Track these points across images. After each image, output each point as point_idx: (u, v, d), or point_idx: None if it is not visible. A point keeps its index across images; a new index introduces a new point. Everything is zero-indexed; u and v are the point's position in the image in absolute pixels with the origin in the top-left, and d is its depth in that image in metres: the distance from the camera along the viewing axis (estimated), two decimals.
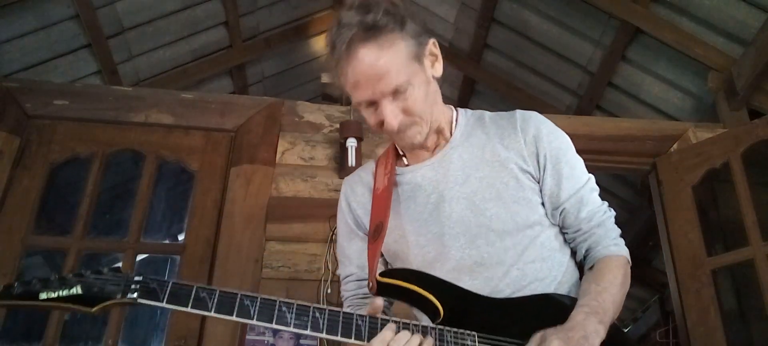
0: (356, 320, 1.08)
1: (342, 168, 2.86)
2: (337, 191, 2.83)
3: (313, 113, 3.07)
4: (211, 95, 3.27)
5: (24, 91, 2.92)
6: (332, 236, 2.67)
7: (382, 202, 1.31)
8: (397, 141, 1.31)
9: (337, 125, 2.97)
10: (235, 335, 2.50)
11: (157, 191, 2.97)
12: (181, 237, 3.35)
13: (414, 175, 1.33)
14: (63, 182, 3.15)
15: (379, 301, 1.13)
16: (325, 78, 3.38)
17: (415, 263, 1.27)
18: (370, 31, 1.15)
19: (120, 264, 2.78)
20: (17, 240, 2.65)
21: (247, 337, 2.50)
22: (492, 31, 4.08)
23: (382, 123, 1.22)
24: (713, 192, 2.99)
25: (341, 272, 1.43)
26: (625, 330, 6.18)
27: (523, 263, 1.22)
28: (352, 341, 1.07)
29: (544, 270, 1.23)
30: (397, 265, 1.33)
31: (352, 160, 2.79)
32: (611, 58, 3.61)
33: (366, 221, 1.36)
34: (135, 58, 3.74)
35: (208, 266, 2.66)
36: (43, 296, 1.04)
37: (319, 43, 4.63)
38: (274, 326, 1.05)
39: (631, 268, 1.30)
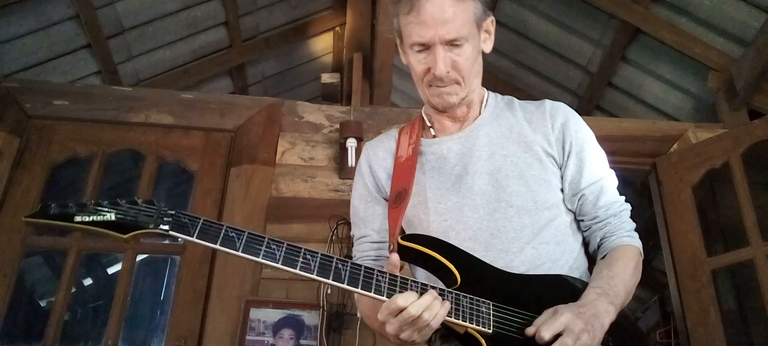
0: (377, 276, 1.10)
1: (342, 168, 2.86)
2: (337, 191, 2.86)
3: (313, 113, 3.07)
4: (211, 95, 3.27)
5: (24, 91, 2.92)
6: (332, 236, 2.67)
7: (406, 169, 1.33)
8: (432, 96, 1.32)
9: (337, 125, 2.97)
10: (235, 335, 2.50)
11: (157, 191, 2.97)
12: None
13: (440, 146, 1.36)
14: (63, 182, 3.16)
15: (396, 258, 1.14)
16: (324, 78, 3.38)
17: (432, 230, 1.28)
18: None
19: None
20: (17, 240, 2.65)
21: (247, 337, 2.50)
22: None
23: (428, 70, 1.26)
24: (713, 192, 2.99)
25: (355, 232, 1.43)
26: None
27: (538, 243, 1.24)
28: (372, 294, 1.09)
29: (558, 253, 1.25)
30: (411, 231, 1.34)
31: (352, 160, 2.79)
32: (611, 58, 3.61)
33: (387, 185, 1.37)
34: (135, 58, 3.73)
35: (208, 266, 2.66)
36: (78, 219, 1.05)
37: (319, 43, 4.63)
38: (298, 271, 1.07)
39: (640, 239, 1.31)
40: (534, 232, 1.24)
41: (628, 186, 4.36)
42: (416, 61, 1.28)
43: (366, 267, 1.11)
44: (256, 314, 2.54)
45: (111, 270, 5.48)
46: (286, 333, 2.54)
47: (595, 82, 3.79)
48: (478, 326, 1.11)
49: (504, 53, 4.15)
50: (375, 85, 3.29)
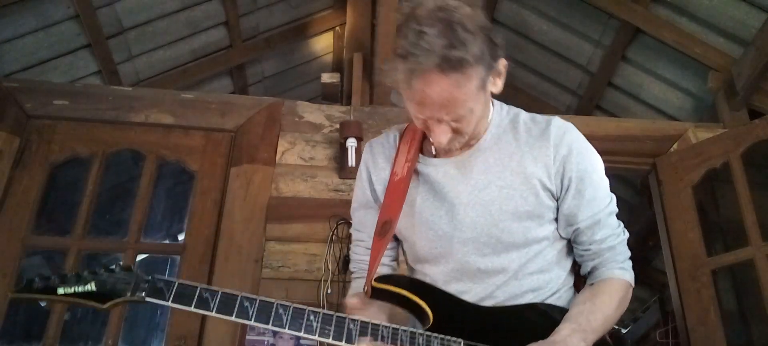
0: (348, 323, 1.16)
1: (342, 168, 2.86)
2: (337, 190, 2.86)
3: (313, 113, 3.07)
4: (211, 95, 3.27)
5: (24, 91, 2.92)
6: (332, 235, 2.67)
7: (397, 194, 1.32)
8: (429, 137, 1.28)
9: (337, 125, 2.97)
10: (235, 335, 2.50)
11: (157, 191, 2.97)
12: (181, 237, 3.35)
13: (436, 170, 1.32)
14: (63, 182, 3.15)
15: (354, 302, 1.28)
16: (325, 78, 3.38)
17: (422, 254, 1.32)
18: (451, 65, 1.10)
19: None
20: (17, 240, 2.65)
21: (248, 337, 2.50)
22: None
23: (428, 128, 1.22)
24: (713, 192, 2.99)
25: (353, 232, 1.48)
26: (625, 330, 6.17)
27: (523, 275, 1.25)
28: (343, 344, 1.15)
29: (541, 281, 1.27)
30: (406, 248, 1.39)
31: (352, 160, 2.79)
32: (611, 58, 3.61)
33: (382, 196, 1.38)
34: (135, 58, 3.73)
35: (208, 267, 2.66)
36: (60, 291, 1.13)
37: (319, 43, 4.63)
38: (271, 327, 1.14)
39: (631, 268, 1.31)
40: (520, 265, 1.26)
41: (628, 186, 4.37)
42: (415, 117, 1.23)
43: (338, 316, 1.17)
44: None
45: None
46: (286, 333, 2.54)
47: (595, 82, 3.79)
48: None
49: (504, 53, 4.14)
50: (375, 85, 3.29)
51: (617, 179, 4.37)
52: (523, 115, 1.35)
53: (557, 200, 1.29)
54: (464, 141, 1.26)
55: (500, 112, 1.35)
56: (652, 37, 3.32)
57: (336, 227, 2.68)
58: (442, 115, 1.17)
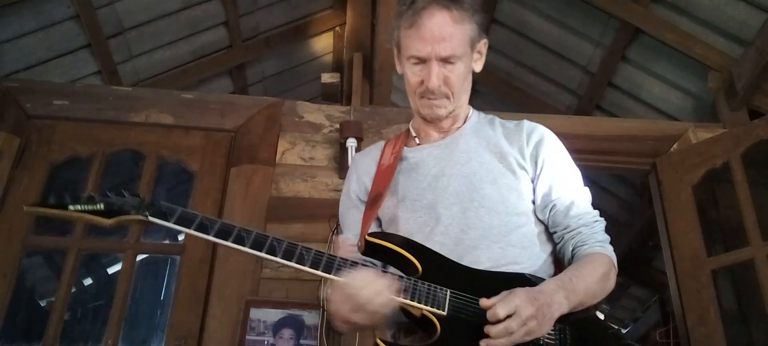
0: (338, 261, 1.21)
1: (342, 168, 2.86)
2: (337, 190, 2.86)
3: (313, 113, 3.07)
4: (211, 95, 3.27)
5: (24, 91, 2.92)
6: (333, 235, 2.67)
7: (385, 174, 1.43)
8: (423, 107, 1.41)
9: (337, 125, 2.97)
10: (235, 335, 2.50)
11: (157, 191, 2.97)
12: (181, 237, 3.34)
13: (421, 153, 1.45)
14: (63, 182, 3.15)
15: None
16: (324, 78, 3.38)
17: (406, 227, 1.36)
18: (453, 2, 1.33)
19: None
20: (17, 240, 2.65)
21: (247, 337, 2.50)
22: (492, 31, 4.07)
23: (421, 82, 1.36)
24: (713, 192, 2.99)
25: (340, 234, 1.54)
26: (625, 330, 6.18)
27: (505, 244, 1.30)
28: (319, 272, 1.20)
29: (523, 257, 1.30)
30: (391, 229, 1.42)
31: (351, 160, 2.79)
32: (611, 58, 3.61)
33: (369, 186, 1.46)
34: (135, 58, 3.73)
35: (208, 267, 2.66)
36: (71, 207, 1.19)
37: (319, 43, 4.63)
38: (263, 254, 1.19)
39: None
40: (502, 233, 1.30)
41: (628, 186, 4.37)
42: (411, 73, 1.38)
43: (329, 255, 1.21)
44: (256, 314, 2.54)
45: (111, 270, 5.48)
46: (286, 333, 2.54)
47: (595, 82, 3.79)
48: (433, 308, 1.17)
49: (504, 53, 4.14)
50: (375, 85, 3.29)
51: (617, 179, 4.37)
52: (498, 119, 1.52)
53: (533, 181, 1.39)
54: (449, 109, 1.39)
55: (478, 114, 1.52)
56: (652, 37, 3.31)
57: (336, 227, 2.67)
58: (438, 50, 1.32)
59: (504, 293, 1.14)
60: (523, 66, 4.13)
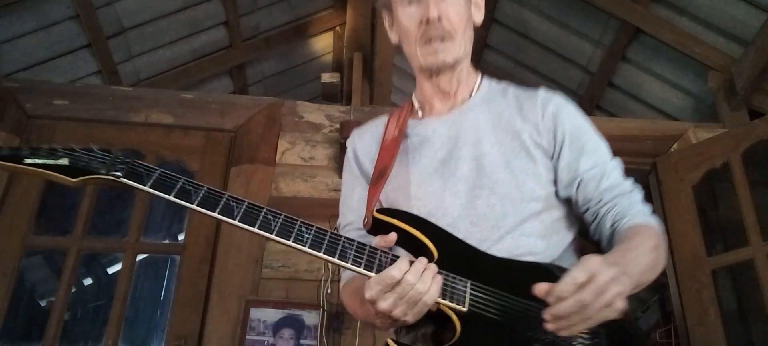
0: (343, 242, 1.09)
1: (342, 168, 2.85)
2: (337, 191, 2.83)
3: (313, 113, 3.07)
4: (211, 95, 3.27)
5: (24, 91, 2.92)
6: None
7: (389, 150, 1.29)
8: (426, 55, 1.27)
9: (337, 125, 2.97)
10: (235, 335, 2.50)
11: None
12: (181, 237, 3.35)
13: (426, 127, 1.31)
14: None
15: (393, 237, 1.10)
16: (324, 78, 3.38)
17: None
18: None
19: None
20: (17, 240, 2.65)
21: (247, 337, 2.50)
22: (492, 31, 4.08)
23: (420, 23, 1.24)
24: (713, 192, 2.99)
25: (341, 221, 1.39)
26: None
27: (519, 235, 1.15)
28: (356, 266, 1.06)
29: (540, 247, 1.16)
30: None
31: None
32: (611, 58, 3.61)
33: (370, 169, 1.32)
34: (135, 58, 3.73)
35: (208, 266, 2.66)
36: (28, 161, 1.02)
37: (319, 43, 4.63)
38: (256, 230, 1.03)
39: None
40: (516, 222, 1.16)
41: None
42: (408, 17, 1.26)
43: (333, 234, 1.07)
44: (256, 314, 2.54)
45: (111, 270, 5.49)
46: (286, 333, 2.54)
47: (595, 82, 3.79)
48: (452, 302, 1.03)
49: (504, 53, 4.15)
50: (375, 85, 3.29)
51: None
52: (513, 87, 1.37)
53: (553, 158, 1.24)
54: (455, 54, 1.27)
55: (490, 82, 1.38)
56: (652, 37, 3.31)
57: (336, 227, 2.67)
58: None
59: (571, 270, 0.94)
60: (523, 66, 4.13)
